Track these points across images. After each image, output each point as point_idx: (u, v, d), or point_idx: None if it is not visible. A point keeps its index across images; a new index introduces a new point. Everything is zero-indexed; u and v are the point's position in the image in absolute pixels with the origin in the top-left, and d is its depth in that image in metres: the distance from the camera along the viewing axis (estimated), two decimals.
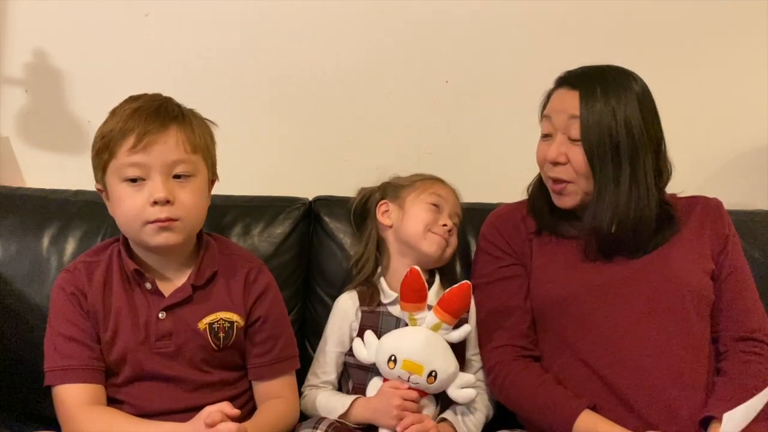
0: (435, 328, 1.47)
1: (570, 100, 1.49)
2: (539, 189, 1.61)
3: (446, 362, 1.46)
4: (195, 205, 1.38)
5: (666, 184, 1.54)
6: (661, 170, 1.52)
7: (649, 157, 1.47)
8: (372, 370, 1.52)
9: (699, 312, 1.48)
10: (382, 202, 1.67)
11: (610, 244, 1.49)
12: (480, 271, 1.62)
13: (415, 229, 1.59)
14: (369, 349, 1.50)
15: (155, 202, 1.33)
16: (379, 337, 1.50)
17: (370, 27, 2.03)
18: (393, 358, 1.44)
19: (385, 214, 1.66)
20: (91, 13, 1.99)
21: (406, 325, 1.50)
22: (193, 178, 1.38)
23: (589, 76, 1.51)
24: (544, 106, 1.57)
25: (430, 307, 1.49)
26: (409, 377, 1.44)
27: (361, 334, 1.54)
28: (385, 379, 1.49)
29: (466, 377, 1.49)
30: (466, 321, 1.55)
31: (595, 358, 1.45)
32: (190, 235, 1.41)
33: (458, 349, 1.54)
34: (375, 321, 1.56)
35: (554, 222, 1.57)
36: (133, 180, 1.35)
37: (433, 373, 1.44)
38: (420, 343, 1.44)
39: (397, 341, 1.47)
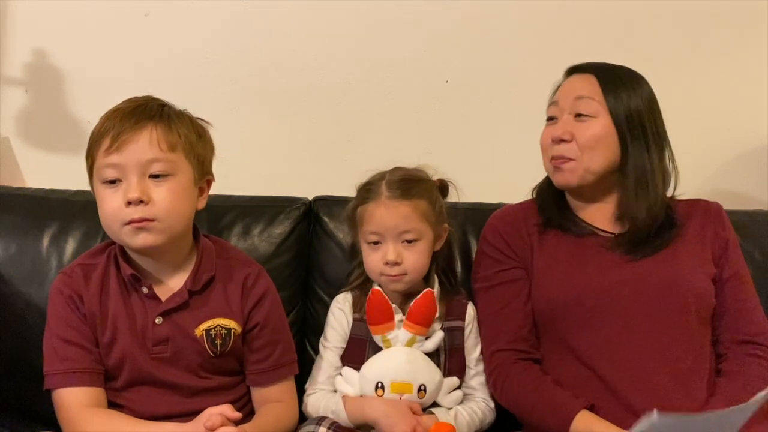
0: (410, 343, 1.46)
1: (580, 82, 1.53)
2: (548, 189, 1.60)
3: (431, 373, 1.46)
4: (173, 204, 1.35)
5: (669, 187, 1.55)
6: (668, 172, 1.54)
7: (665, 150, 1.52)
8: None
9: (700, 316, 1.49)
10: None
11: (640, 236, 1.50)
12: (481, 273, 1.62)
13: (370, 274, 1.56)
14: (352, 384, 1.48)
15: (129, 203, 1.32)
16: (366, 352, 1.50)
17: (370, 27, 2.03)
18: (380, 385, 1.44)
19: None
20: (91, 13, 1.99)
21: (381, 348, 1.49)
22: (172, 177, 1.35)
23: (603, 67, 1.54)
24: (552, 96, 1.59)
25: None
26: (400, 398, 1.43)
27: (351, 342, 1.54)
28: None
29: (450, 380, 1.49)
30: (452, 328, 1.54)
31: (595, 360, 1.45)
32: (172, 236, 1.37)
33: (458, 355, 1.54)
34: (365, 331, 1.53)
35: (562, 219, 1.57)
36: (112, 182, 1.34)
37: (423, 387, 1.44)
38: (401, 362, 1.44)
39: (378, 368, 1.46)
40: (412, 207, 1.50)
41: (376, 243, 1.52)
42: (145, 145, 1.33)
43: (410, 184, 1.53)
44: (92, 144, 1.36)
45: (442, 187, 1.61)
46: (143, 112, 1.36)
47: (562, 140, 1.50)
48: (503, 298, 1.55)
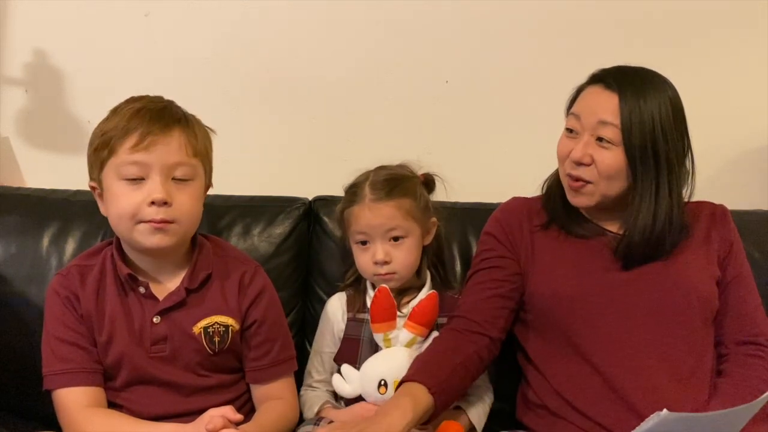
0: (410, 344, 1.48)
1: (605, 103, 1.46)
2: (557, 185, 1.59)
3: None
4: (192, 209, 1.38)
5: (688, 193, 1.53)
6: (685, 178, 1.52)
7: (681, 163, 1.48)
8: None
9: (704, 318, 1.50)
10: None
11: (641, 249, 1.48)
12: (473, 264, 1.62)
13: (363, 274, 1.58)
14: (351, 383, 1.49)
15: (153, 203, 1.33)
16: (359, 351, 1.51)
17: (370, 27, 2.03)
18: (383, 382, 1.45)
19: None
20: (91, 14, 1.99)
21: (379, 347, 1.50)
22: (192, 182, 1.38)
23: (626, 77, 1.48)
24: (572, 101, 1.55)
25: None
26: None
27: (345, 342, 1.55)
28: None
29: None
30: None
31: (598, 358, 1.46)
32: (183, 238, 1.41)
33: None
34: (358, 330, 1.54)
35: (566, 220, 1.56)
36: (133, 179, 1.34)
37: None
38: (404, 360, 1.45)
39: (381, 366, 1.47)
40: (396, 206, 1.52)
41: (364, 243, 1.54)
42: (174, 148, 1.35)
43: (393, 183, 1.54)
44: (113, 139, 1.34)
45: (427, 182, 1.62)
46: (170, 115, 1.38)
47: (581, 163, 1.47)
48: (483, 283, 1.55)
